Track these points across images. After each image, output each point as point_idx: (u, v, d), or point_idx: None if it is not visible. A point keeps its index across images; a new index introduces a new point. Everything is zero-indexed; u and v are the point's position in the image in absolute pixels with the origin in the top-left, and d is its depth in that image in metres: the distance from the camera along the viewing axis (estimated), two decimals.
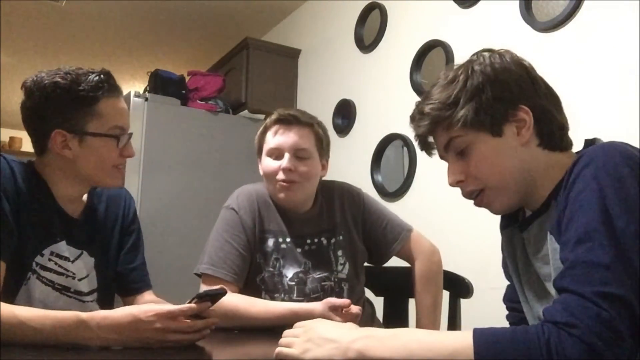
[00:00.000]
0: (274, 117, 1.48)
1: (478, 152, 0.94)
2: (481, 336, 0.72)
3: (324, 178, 1.57)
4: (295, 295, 1.42)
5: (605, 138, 1.01)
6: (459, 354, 0.71)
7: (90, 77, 1.21)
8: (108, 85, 1.23)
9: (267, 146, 1.47)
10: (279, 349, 0.87)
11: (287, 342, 0.87)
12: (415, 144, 1.06)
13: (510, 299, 1.16)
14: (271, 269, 1.44)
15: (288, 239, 1.46)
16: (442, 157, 1.03)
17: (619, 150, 0.82)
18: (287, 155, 1.43)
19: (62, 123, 1.21)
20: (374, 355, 0.75)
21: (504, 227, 1.12)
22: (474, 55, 1.00)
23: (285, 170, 1.41)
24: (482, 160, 0.94)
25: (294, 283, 1.43)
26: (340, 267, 1.48)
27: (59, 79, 1.20)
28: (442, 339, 0.76)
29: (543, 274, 0.96)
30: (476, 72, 0.95)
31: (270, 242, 1.45)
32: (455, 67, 1.00)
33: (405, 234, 1.54)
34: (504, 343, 0.70)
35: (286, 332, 0.90)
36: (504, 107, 0.93)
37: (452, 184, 0.98)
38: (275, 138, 1.45)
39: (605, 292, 0.70)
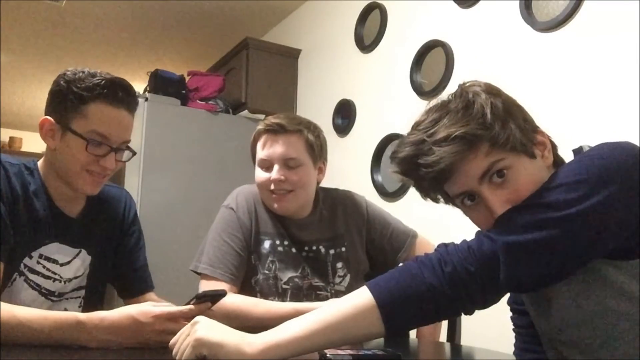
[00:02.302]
0: (261, 127, 1.46)
1: (521, 175, 0.86)
2: (373, 280, 0.83)
3: (323, 181, 1.56)
4: (288, 299, 1.41)
5: (605, 138, 1.01)
6: (360, 300, 0.80)
7: (92, 79, 1.21)
8: (107, 92, 1.21)
9: (257, 157, 1.46)
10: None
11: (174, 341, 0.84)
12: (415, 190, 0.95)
13: (516, 301, 1.14)
14: (266, 272, 1.43)
15: (286, 242, 1.45)
16: (459, 196, 0.90)
17: (613, 142, 0.85)
18: (276, 167, 1.41)
19: (53, 112, 1.24)
20: (279, 338, 0.77)
21: None
22: (463, 86, 0.92)
23: (275, 181, 1.40)
24: (528, 181, 0.86)
25: (288, 287, 1.42)
26: (338, 280, 1.47)
27: (68, 73, 1.23)
28: (341, 299, 0.84)
29: None
30: (493, 96, 0.89)
31: (267, 244, 1.45)
32: (444, 100, 0.92)
33: (411, 241, 1.54)
34: (389, 275, 0.82)
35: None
36: (530, 130, 0.91)
37: None
38: (264, 149, 1.44)
39: (490, 235, 0.80)
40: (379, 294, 0.79)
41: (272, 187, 1.41)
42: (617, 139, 0.88)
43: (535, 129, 0.92)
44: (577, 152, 0.94)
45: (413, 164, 0.89)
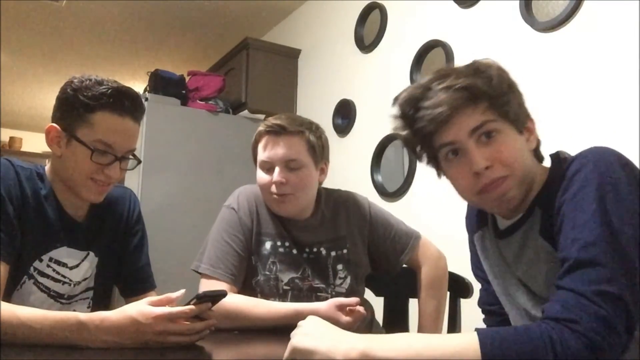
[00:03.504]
0: (262, 128, 1.45)
1: (506, 140, 0.94)
2: (486, 336, 0.74)
3: (325, 181, 1.55)
4: (289, 300, 1.41)
5: (604, 138, 1.02)
6: (465, 353, 0.73)
7: (98, 87, 1.21)
8: (113, 101, 1.21)
9: (259, 158, 1.45)
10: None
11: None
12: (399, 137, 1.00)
13: (487, 302, 1.18)
14: (267, 273, 1.42)
15: (287, 243, 1.45)
16: (446, 146, 0.95)
17: (611, 152, 0.86)
18: (277, 169, 1.40)
19: (59, 119, 1.24)
20: (379, 356, 0.74)
21: (474, 230, 1.15)
22: (480, 61, 0.99)
23: (277, 184, 1.39)
24: (511, 148, 0.93)
25: (289, 288, 1.41)
26: (339, 282, 1.46)
27: (75, 80, 1.23)
28: (447, 339, 0.78)
29: (528, 278, 0.98)
30: (502, 71, 0.96)
31: (268, 245, 1.44)
32: (460, 66, 0.98)
33: (414, 242, 1.53)
34: (509, 341, 0.72)
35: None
36: (524, 112, 0.98)
37: (479, 170, 0.92)
38: (265, 151, 1.43)
39: (602, 290, 0.74)
40: (487, 350, 0.72)
41: (274, 189, 1.41)
42: (617, 140, 0.89)
43: (527, 115, 0.99)
44: (555, 158, 0.98)
45: (414, 106, 0.95)
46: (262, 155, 1.44)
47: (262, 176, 1.44)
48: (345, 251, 1.48)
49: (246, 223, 1.44)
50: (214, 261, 1.39)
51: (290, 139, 1.42)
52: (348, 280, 1.47)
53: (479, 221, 1.13)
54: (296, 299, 1.41)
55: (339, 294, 1.44)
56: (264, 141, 1.44)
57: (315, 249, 1.46)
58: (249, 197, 1.49)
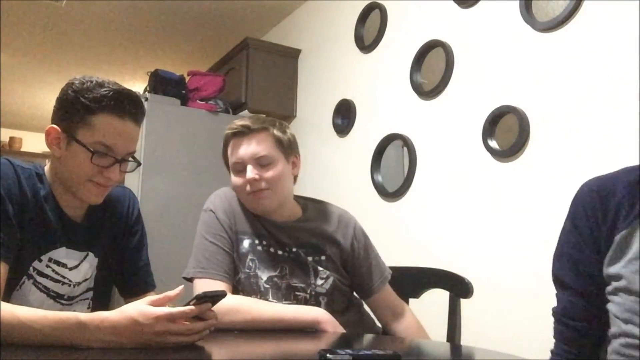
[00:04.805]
0: (227, 132, 1.48)
1: None
2: None
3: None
4: (270, 298, 1.41)
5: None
6: None
7: (99, 89, 1.21)
8: (114, 103, 1.21)
9: (230, 162, 1.48)
10: None
11: None
12: None
13: (573, 316, 1.05)
14: (247, 270, 1.43)
15: (264, 242, 1.45)
16: None
17: None
18: (249, 167, 1.42)
19: (60, 121, 1.24)
20: None
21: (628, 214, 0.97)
22: None
23: (251, 181, 1.41)
24: None
25: (268, 286, 1.42)
26: (320, 282, 1.45)
27: (76, 82, 1.23)
28: None
29: None
30: None
31: (246, 243, 1.45)
32: None
33: (386, 277, 1.54)
34: None
35: None
36: None
37: None
38: (235, 152, 1.45)
39: None
40: None
41: (249, 188, 1.42)
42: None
43: None
44: None
45: None
46: (232, 157, 1.46)
47: (235, 178, 1.46)
48: (323, 257, 1.48)
49: (226, 221, 1.46)
50: (204, 263, 1.39)
51: (256, 137, 1.44)
52: (330, 280, 1.46)
53: None
54: (276, 297, 1.42)
55: (319, 294, 1.44)
56: (232, 144, 1.47)
57: (294, 249, 1.46)
58: (224, 198, 1.50)
